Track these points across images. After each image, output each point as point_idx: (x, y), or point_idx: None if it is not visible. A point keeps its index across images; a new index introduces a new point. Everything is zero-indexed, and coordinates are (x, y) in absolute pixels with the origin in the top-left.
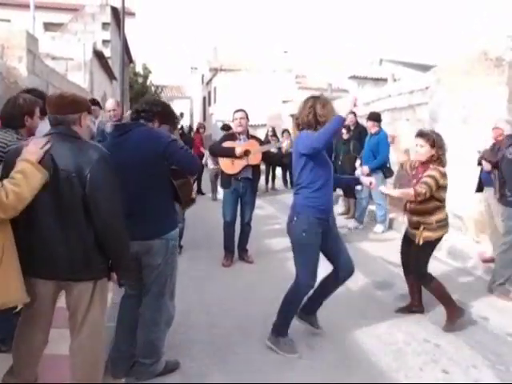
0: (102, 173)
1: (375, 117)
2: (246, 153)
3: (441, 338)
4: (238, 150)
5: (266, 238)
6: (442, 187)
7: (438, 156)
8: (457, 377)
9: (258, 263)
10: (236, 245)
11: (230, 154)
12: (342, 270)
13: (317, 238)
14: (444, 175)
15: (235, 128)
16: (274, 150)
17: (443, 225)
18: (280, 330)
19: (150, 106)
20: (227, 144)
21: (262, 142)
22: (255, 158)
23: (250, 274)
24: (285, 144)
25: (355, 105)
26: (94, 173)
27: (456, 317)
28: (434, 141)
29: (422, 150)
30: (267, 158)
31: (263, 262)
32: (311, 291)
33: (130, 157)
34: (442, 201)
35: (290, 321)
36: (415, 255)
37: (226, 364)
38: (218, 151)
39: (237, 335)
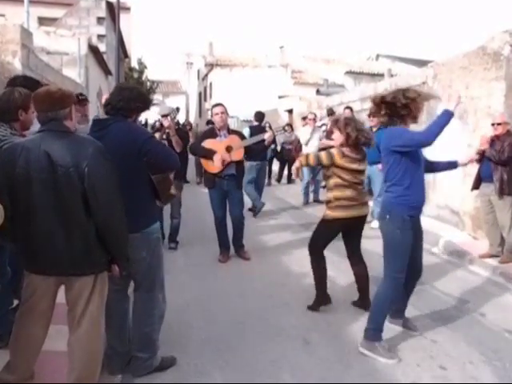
0: (100, 165)
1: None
2: (228, 149)
3: (438, 334)
4: (216, 159)
5: (262, 233)
6: (341, 167)
7: (347, 139)
8: (454, 373)
9: (254, 259)
10: (231, 241)
11: (209, 157)
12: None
13: (409, 236)
14: (345, 156)
15: (217, 123)
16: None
17: (343, 205)
18: (374, 334)
19: (127, 104)
20: (208, 143)
21: (243, 137)
22: (237, 154)
23: (246, 269)
24: (266, 136)
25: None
26: (91, 166)
27: (320, 303)
28: (340, 126)
29: (335, 136)
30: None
31: (260, 257)
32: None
33: (108, 152)
34: (344, 180)
35: (383, 324)
36: (315, 228)
37: (223, 361)
38: (197, 152)
39: (234, 332)
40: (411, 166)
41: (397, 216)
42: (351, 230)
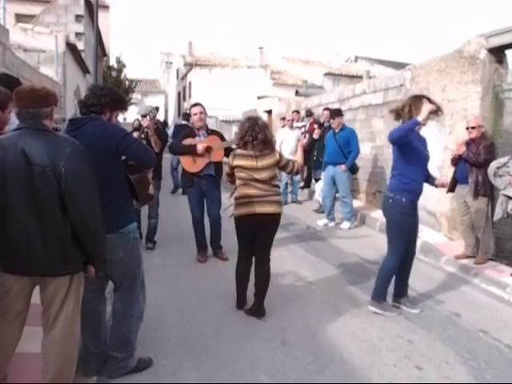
0: (77, 165)
1: (339, 112)
2: (208, 150)
3: (414, 334)
4: (200, 148)
5: None
6: (237, 167)
7: (236, 139)
8: (429, 373)
9: (232, 259)
10: (209, 241)
11: (191, 151)
12: (409, 250)
13: (408, 218)
14: (236, 155)
15: (196, 123)
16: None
17: (242, 203)
18: (383, 293)
19: (97, 99)
20: (188, 141)
21: (222, 138)
22: (217, 155)
23: (224, 270)
24: None
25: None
26: (68, 166)
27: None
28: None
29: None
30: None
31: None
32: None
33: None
34: (240, 178)
35: (388, 287)
36: None
37: (200, 361)
38: (178, 149)
39: (211, 332)
40: (413, 160)
41: (399, 200)
42: (259, 229)
